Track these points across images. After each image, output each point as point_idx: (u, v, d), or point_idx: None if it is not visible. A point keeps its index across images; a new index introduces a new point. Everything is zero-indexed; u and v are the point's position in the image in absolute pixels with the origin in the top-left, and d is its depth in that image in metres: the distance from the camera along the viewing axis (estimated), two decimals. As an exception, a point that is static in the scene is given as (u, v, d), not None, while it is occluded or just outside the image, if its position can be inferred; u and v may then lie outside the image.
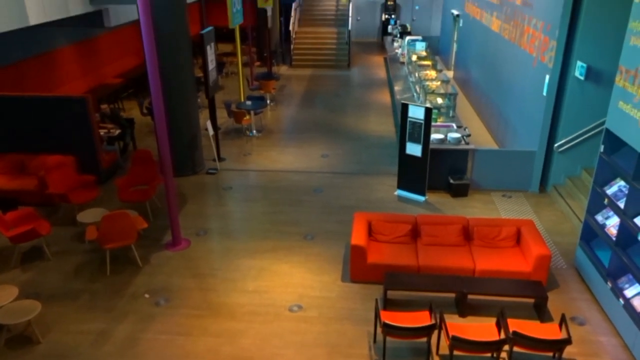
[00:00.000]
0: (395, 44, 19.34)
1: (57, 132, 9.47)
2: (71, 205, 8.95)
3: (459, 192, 9.35)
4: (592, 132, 8.86)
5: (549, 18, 9.06)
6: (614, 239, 6.34)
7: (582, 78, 8.52)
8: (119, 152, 10.89)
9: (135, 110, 14.25)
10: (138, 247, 7.81)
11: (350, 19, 21.10)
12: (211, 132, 10.66)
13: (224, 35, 20.50)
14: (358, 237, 6.90)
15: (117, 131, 10.98)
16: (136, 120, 12.57)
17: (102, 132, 10.76)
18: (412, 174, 9.29)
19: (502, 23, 12.08)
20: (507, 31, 11.69)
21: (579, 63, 8.52)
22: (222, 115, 13.45)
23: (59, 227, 8.38)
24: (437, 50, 21.09)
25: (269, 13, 16.98)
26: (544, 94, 9.14)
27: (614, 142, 6.50)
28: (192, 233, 8.22)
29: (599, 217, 6.83)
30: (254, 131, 12.81)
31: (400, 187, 9.54)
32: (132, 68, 16.56)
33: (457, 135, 9.61)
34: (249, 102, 12.99)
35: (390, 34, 22.04)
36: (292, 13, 20.85)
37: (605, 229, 6.58)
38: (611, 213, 6.68)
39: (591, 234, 7.05)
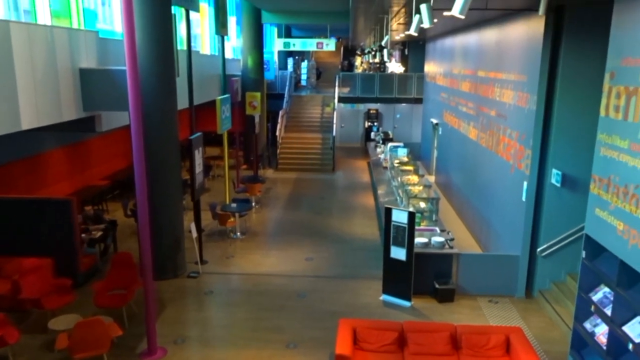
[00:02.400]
0: (378, 150, 20.00)
1: (38, 234, 9.34)
2: (44, 311, 8.59)
3: (445, 297, 9.22)
4: (574, 237, 9.01)
5: (523, 128, 9.57)
6: (604, 347, 6.20)
7: (558, 185, 8.83)
8: (99, 255, 10.69)
9: (119, 212, 14.22)
10: (111, 356, 7.40)
11: (334, 125, 21.99)
12: (195, 234, 10.60)
13: (212, 139, 21.09)
14: (343, 346, 6.65)
15: (99, 233, 10.86)
16: (119, 222, 12.49)
17: (83, 234, 10.63)
18: (397, 278, 9.19)
19: (479, 132, 12.70)
20: (484, 140, 12.25)
21: (554, 170, 8.88)
22: (206, 217, 13.46)
23: (28, 335, 7.97)
24: (418, 155, 21.85)
25: (257, 120, 17.65)
26: (523, 199, 9.39)
27: (595, 248, 6.59)
28: (170, 341, 7.86)
29: (588, 325, 6.73)
30: (238, 233, 12.76)
31: (385, 291, 9.39)
32: (119, 170, 16.78)
33: (440, 239, 9.68)
34: (234, 205, 13.07)
35: (373, 140, 22.89)
36: (279, 119, 21.75)
37: (595, 337, 6.46)
38: (599, 320, 6.60)
39: (581, 342, 6.90)
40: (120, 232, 12.50)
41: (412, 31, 6.19)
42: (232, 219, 12.53)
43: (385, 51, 17.05)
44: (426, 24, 5.48)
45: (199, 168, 10.41)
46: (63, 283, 8.60)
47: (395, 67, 29.26)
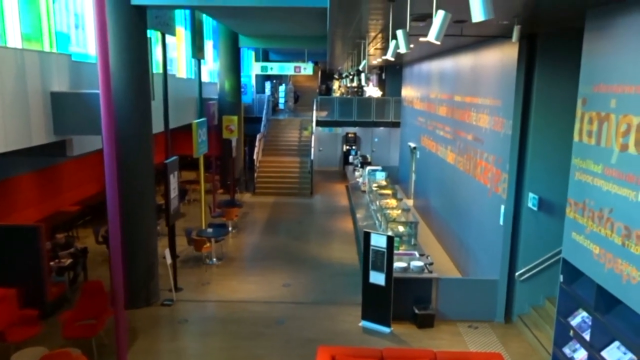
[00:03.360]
0: (357, 173, 20.11)
1: (4, 263, 9.02)
2: (7, 345, 8.24)
3: (425, 322, 9.18)
4: (551, 261, 9.10)
5: (499, 152, 9.72)
6: (584, 373, 6.20)
7: (535, 209, 8.95)
8: (68, 283, 10.38)
9: (90, 239, 13.89)
10: (78, 391, 7.10)
11: (312, 149, 22.03)
12: (169, 260, 10.40)
13: (188, 163, 20.85)
14: (321, 375, 6.51)
15: (68, 261, 10.57)
16: (90, 249, 12.19)
17: (52, 262, 10.32)
18: (376, 304, 9.12)
19: (457, 156, 12.85)
20: (461, 163, 12.40)
21: (530, 194, 9.01)
22: (181, 242, 13.24)
23: (-10, 369, 7.63)
24: (396, 179, 22.00)
25: (234, 143, 17.59)
26: (501, 223, 9.48)
27: (572, 272, 6.65)
28: (141, 373, 7.61)
29: (567, 350, 6.75)
30: (214, 259, 12.57)
31: (365, 317, 9.31)
32: (91, 195, 16.46)
33: (419, 263, 9.68)
34: (210, 230, 12.90)
35: (351, 163, 23.04)
36: (257, 143, 21.71)
37: (575, 362, 6.47)
38: (578, 345, 6.62)
39: (561, 367, 6.90)
40: (91, 259, 12.18)
41: (389, 56, 6.29)
42: (208, 245, 12.35)
43: (362, 75, 17.22)
44: (403, 49, 5.56)
45: (174, 192, 10.29)
46: (29, 314, 8.29)
47: (372, 91, 29.68)
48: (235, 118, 17.20)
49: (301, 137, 23.72)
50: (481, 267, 10.58)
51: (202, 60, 17.50)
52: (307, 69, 22.50)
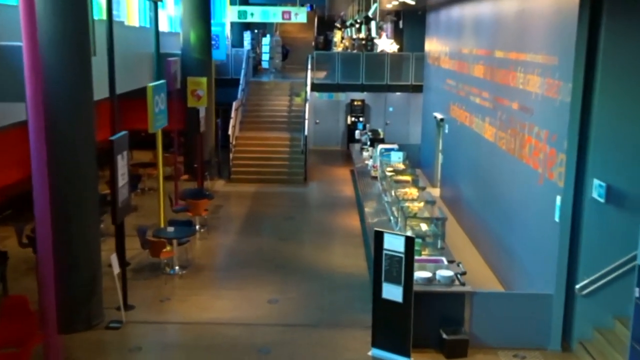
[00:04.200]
0: (365, 154, 20.04)
1: None
2: None
3: (455, 351, 9.20)
4: (623, 270, 9.08)
5: (554, 126, 9.68)
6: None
7: (602, 200, 8.91)
8: (-17, 299, 10.35)
9: (11, 240, 13.83)
10: None
11: (307, 122, 21.96)
12: (116, 269, 10.38)
13: (142, 141, 20.75)
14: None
15: (-16, 269, 10.53)
16: (10, 254, 12.15)
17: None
18: (391, 326, 9.13)
19: (497, 131, 12.83)
20: (503, 140, 12.38)
21: (596, 182, 8.97)
22: (133, 245, 13.19)
23: None
24: (417, 161, 22.03)
25: (202, 114, 17.55)
26: (557, 219, 9.46)
27: (651, 284, 6.61)
28: (81, 418, 7.62)
29: (644, 386, 6.75)
30: (177, 268, 12.57)
31: (375, 344, 9.32)
32: (13, 183, 16.36)
33: (448, 273, 9.68)
34: (171, 229, 12.90)
35: (358, 141, 22.95)
36: (232, 114, 21.64)
37: (654, 403, 6.48)
38: (658, 380, 6.62)
39: (635, 409, 6.91)
40: (12, 267, 12.15)
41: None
42: (168, 248, 12.35)
43: (373, 24, 17.17)
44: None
45: (123, 179, 10.25)
46: None
47: (386, 44, 29.48)
48: (203, 80, 17.16)
49: (291, 106, 23.65)
50: (530, 278, 10.59)
51: (159, 3, 17.26)
52: (299, 15, 22.45)
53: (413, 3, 6.67)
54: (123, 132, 10.35)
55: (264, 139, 21.94)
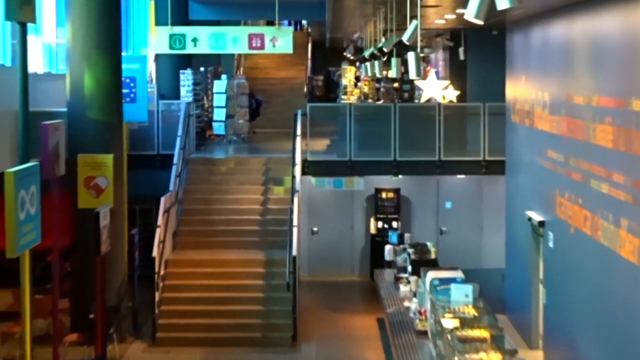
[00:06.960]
0: (404, 289, 20.01)
1: None
2: None
3: None
4: None
5: None
6: None
7: None
8: None
9: None
10: None
11: (295, 230, 21.93)
12: None
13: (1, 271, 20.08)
14: None
15: None
16: None
17: None
18: None
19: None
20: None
21: None
22: None
23: None
24: (500, 302, 22.06)
25: (105, 221, 17.65)
26: None
27: None
28: None
29: None
30: None
31: None
32: None
33: None
34: None
35: (389, 264, 22.56)
36: (160, 220, 21.44)
37: None
38: None
39: None
40: None
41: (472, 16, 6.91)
42: None
43: (411, 55, 16.45)
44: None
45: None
46: None
47: (436, 89, 29.48)
48: (108, 160, 17.48)
49: (267, 203, 24.01)
50: None
51: (30, 26, 16.86)
52: (279, 41, 21.74)
53: (481, 23, 6.54)
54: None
55: (217, 264, 21.96)
